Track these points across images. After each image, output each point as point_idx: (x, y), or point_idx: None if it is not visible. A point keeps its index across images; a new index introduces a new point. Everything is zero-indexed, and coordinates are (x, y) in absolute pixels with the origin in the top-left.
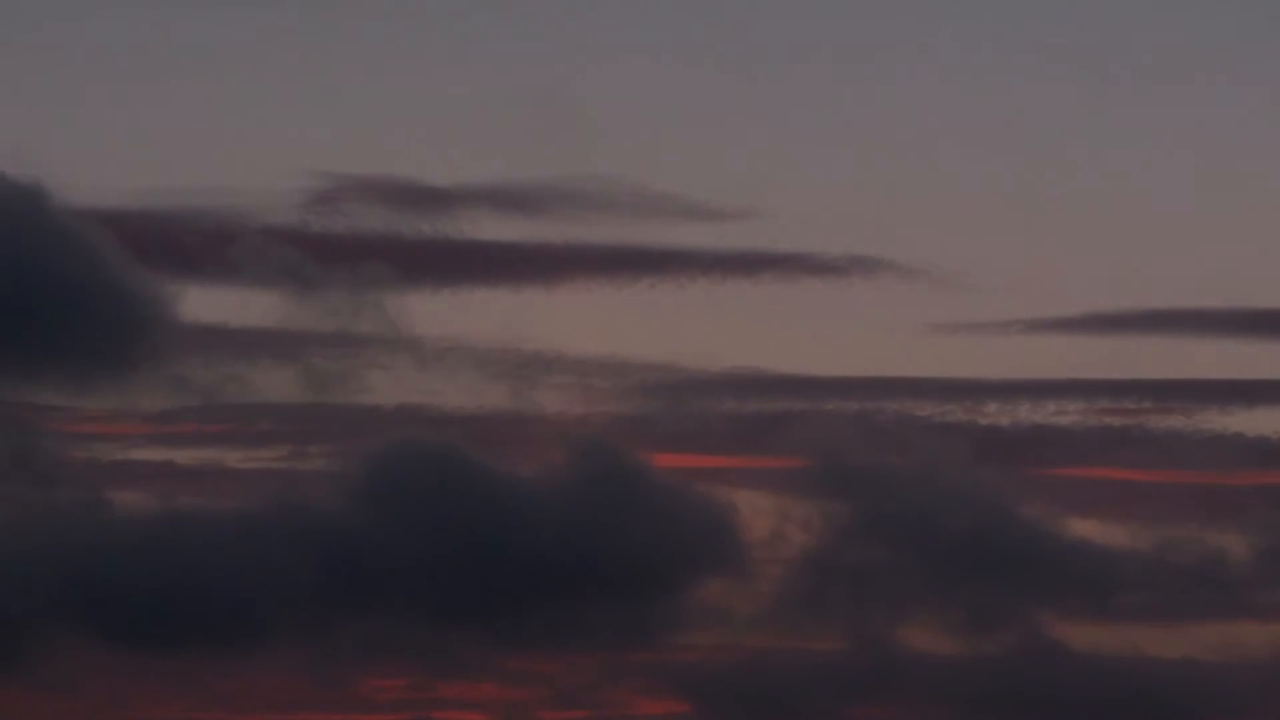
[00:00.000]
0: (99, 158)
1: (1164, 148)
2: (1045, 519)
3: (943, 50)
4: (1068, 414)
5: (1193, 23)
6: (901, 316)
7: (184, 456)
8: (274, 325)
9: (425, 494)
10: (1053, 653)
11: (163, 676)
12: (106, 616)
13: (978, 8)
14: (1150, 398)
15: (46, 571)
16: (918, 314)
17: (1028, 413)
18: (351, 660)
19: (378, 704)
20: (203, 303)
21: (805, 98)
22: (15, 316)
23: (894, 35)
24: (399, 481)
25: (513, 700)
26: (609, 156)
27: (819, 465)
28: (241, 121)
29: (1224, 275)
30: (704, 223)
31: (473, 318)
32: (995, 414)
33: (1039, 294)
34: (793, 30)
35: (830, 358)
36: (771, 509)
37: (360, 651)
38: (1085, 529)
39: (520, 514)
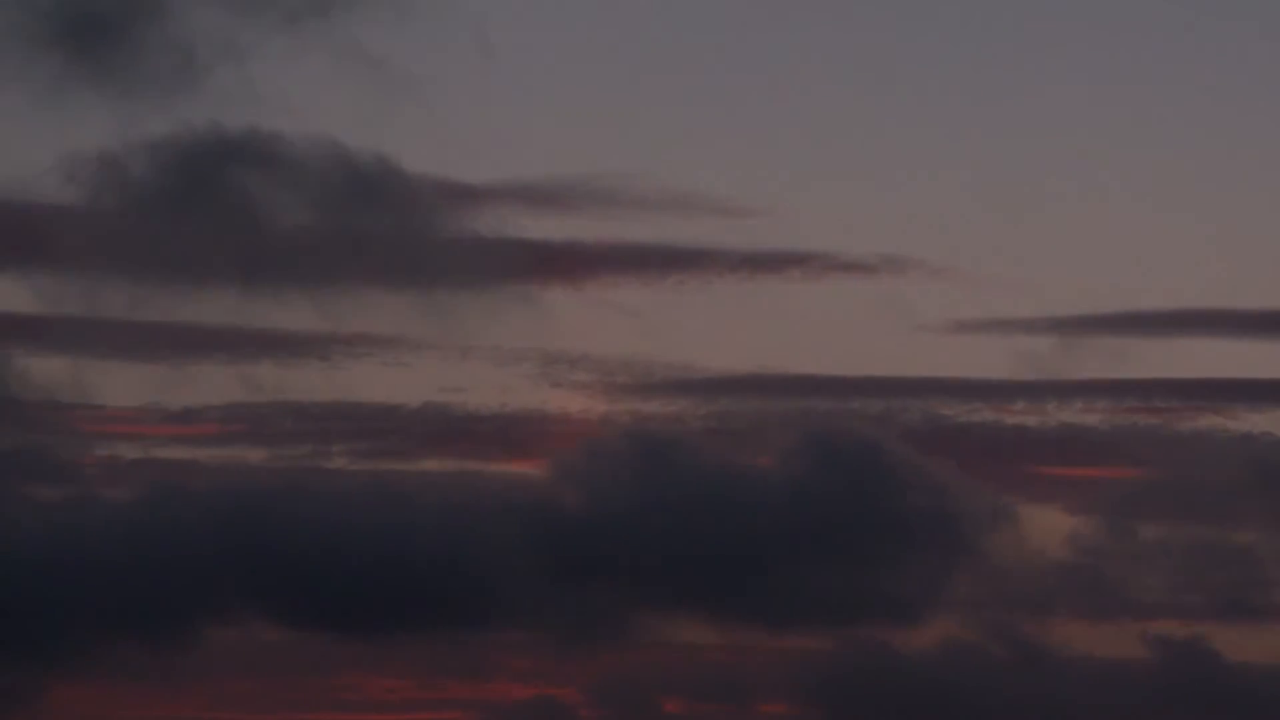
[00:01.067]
0: None
1: (1192, 147)
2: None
3: (969, 50)
4: (1095, 412)
5: (1207, 25)
6: (928, 315)
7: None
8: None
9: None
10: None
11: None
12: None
13: (999, 7)
14: (1179, 397)
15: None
16: (945, 312)
17: (1055, 411)
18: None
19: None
20: None
21: (833, 96)
22: None
23: (917, 35)
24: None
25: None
26: (637, 154)
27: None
28: None
29: (1253, 275)
30: (732, 220)
31: (500, 315)
32: (1022, 413)
33: (1066, 293)
34: (817, 31)
35: (856, 356)
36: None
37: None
38: None
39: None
